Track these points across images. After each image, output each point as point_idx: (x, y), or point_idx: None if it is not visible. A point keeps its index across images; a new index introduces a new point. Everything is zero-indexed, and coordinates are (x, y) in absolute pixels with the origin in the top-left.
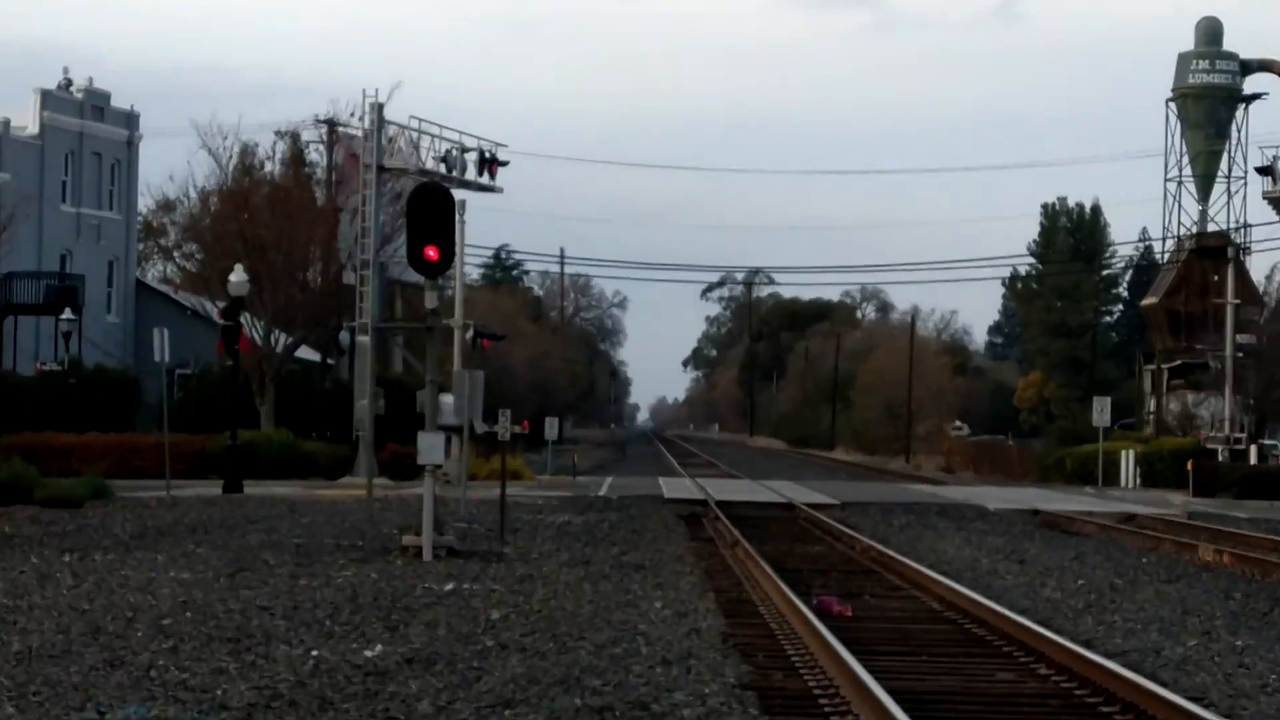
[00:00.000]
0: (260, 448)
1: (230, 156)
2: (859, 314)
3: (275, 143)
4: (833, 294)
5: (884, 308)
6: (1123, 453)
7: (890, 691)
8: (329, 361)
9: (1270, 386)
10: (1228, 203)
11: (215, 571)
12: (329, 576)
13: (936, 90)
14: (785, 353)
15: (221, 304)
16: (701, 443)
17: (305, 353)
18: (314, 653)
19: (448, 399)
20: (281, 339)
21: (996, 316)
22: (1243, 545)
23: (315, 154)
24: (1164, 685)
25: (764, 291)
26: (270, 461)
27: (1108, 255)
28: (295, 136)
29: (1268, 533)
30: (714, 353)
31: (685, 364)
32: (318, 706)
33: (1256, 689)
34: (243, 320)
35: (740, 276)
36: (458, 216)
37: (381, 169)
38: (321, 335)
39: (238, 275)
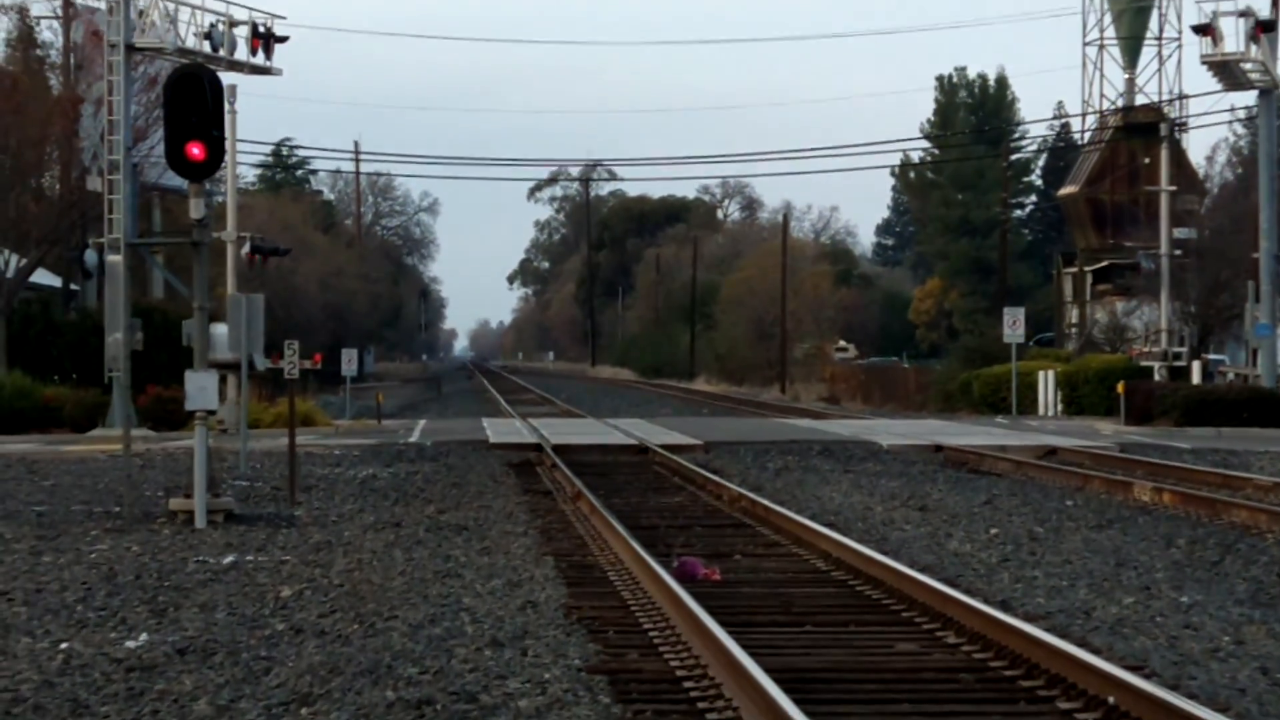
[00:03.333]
0: None
1: None
2: (720, 214)
3: None
4: (688, 190)
5: (750, 206)
6: (1040, 374)
7: (769, 670)
8: (73, 287)
9: (1214, 290)
10: (1159, 70)
11: None
12: (79, 551)
13: None
14: (632, 263)
15: None
16: (533, 375)
17: (43, 277)
18: (63, 645)
19: (221, 329)
20: (13, 261)
21: (885, 213)
22: (1186, 481)
23: (49, 32)
24: (1096, 653)
25: (604, 189)
26: (2, 412)
27: (1017, 136)
28: (23, 11)
29: (1215, 466)
30: (546, 265)
31: (511, 280)
32: (70, 711)
33: (1206, 653)
34: None
35: (575, 171)
36: (227, 105)
37: (131, 49)
38: (62, 255)
39: None
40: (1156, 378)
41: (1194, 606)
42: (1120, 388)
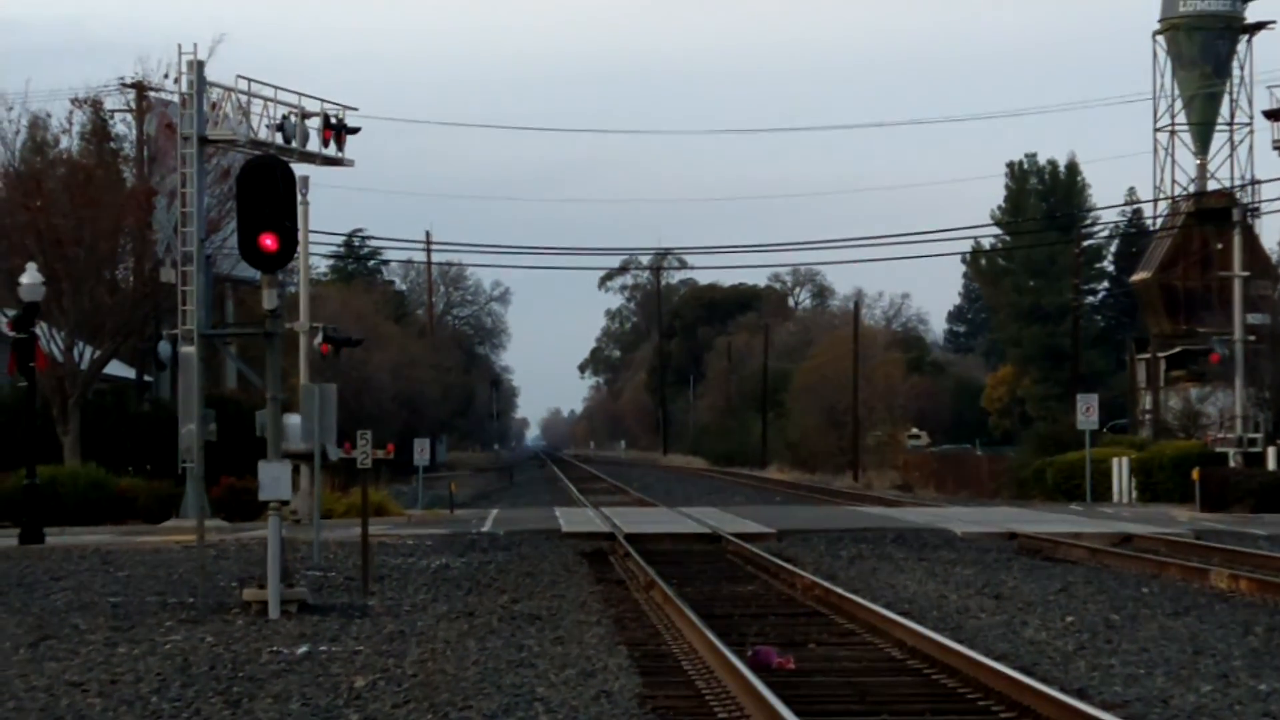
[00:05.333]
0: (64, 487)
1: (17, 131)
2: (791, 302)
3: (72, 112)
4: (759, 278)
5: (821, 293)
6: (1114, 461)
7: None
8: (146, 378)
9: None
10: (1230, 155)
11: (13, 641)
12: (154, 643)
13: (878, 28)
14: (703, 351)
15: (11, 312)
16: (605, 463)
17: (117, 368)
18: None
19: (294, 419)
20: (87, 353)
21: (957, 300)
22: (1263, 568)
23: (122, 125)
24: None
25: (675, 277)
26: (77, 503)
27: (1088, 223)
28: (97, 104)
29: None
30: (617, 354)
31: (582, 369)
32: None
33: None
34: (38, 331)
35: (645, 260)
36: (299, 196)
37: (204, 141)
38: (136, 346)
39: (30, 276)
40: (1232, 464)
41: (1272, 695)
42: (1195, 474)
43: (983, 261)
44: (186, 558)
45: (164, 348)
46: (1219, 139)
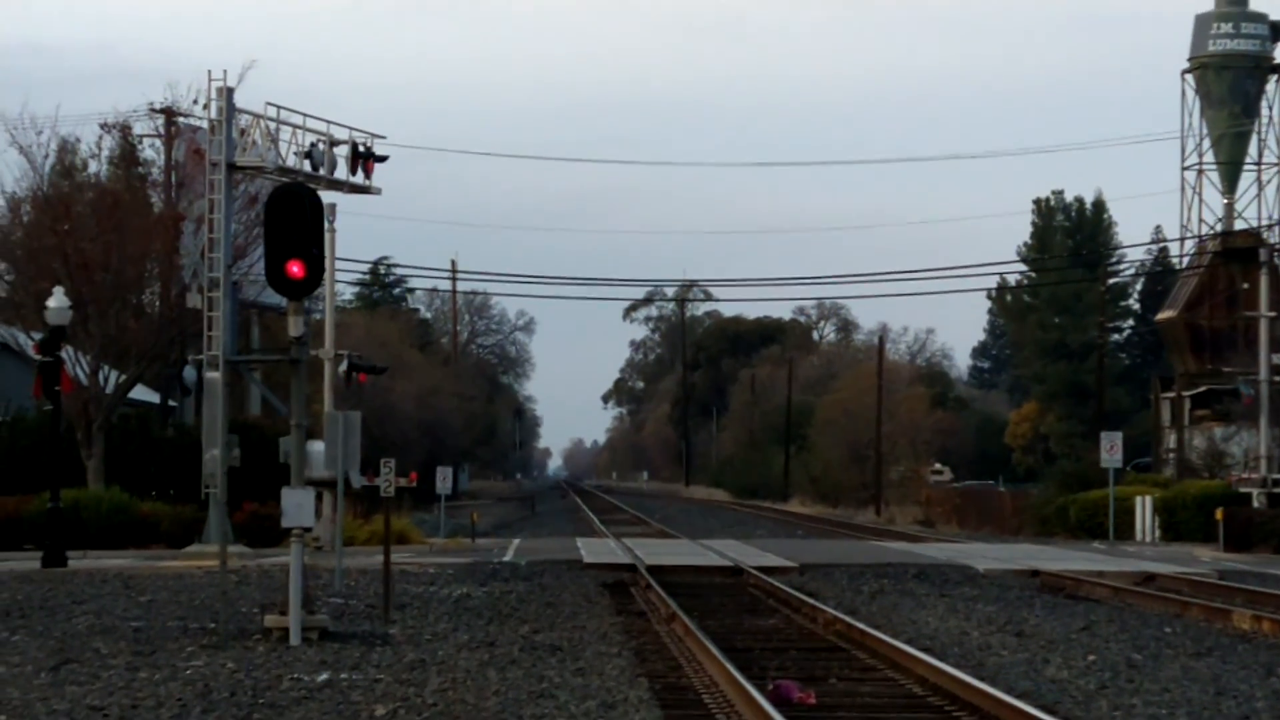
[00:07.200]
0: (88, 511)
1: (46, 155)
2: (816, 335)
3: (101, 137)
4: (783, 311)
5: (846, 327)
6: (1138, 499)
7: None
8: (171, 403)
9: None
10: (1258, 194)
11: (35, 664)
12: (175, 668)
13: (906, 65)
14: (727, 384)
15: (37, 335)
16: (627, 494)
17: (141, 393)
18: None
19: (318, 447)
20: (112, 377)
21: (982, 336)
22: None
23: (151, 150)
24: None
25: (700, 309)
26: (100, 527)
27: (1114, 260)
28: (126, 129)
29: None
30: (641, 385)
31: (606, 400)
32: None
33: None
34: (64, 355)
35: (670, 292)
36: (326, 224)
37: (233, 167)
38: (161, 371)
39: (57, 300)
40: (1255, 504)
41: None
42: (1219, 514)
43: (1008, 298)
44: (209, 583)
45: (189, 373)
46: (1247, 178)
